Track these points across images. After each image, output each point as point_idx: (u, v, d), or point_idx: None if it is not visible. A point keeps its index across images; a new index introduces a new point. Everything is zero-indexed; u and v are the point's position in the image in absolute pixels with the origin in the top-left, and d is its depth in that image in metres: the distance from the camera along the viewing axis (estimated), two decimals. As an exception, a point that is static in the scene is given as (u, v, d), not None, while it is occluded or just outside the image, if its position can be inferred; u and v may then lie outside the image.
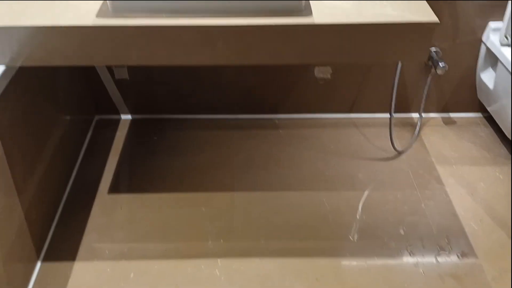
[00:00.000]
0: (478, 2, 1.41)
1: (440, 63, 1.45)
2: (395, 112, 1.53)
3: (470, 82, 1.61)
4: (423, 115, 1.66)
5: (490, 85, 1.51)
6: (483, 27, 1.47)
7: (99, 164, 1.46)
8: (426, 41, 0.91)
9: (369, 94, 1.64)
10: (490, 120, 1.66)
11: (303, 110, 1.69)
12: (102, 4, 0.91)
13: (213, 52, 0.91)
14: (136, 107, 1.65)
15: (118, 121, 1.64)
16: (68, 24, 0.86)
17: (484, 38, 1.49)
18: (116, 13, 0.89)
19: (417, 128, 1.63)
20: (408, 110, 1.70)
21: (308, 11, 0.90)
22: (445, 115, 1.71)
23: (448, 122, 1.69)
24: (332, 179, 1.44)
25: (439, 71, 1.46)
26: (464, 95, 1.65)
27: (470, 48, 1.53)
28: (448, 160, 1.52)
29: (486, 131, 1.64)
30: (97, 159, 1.48)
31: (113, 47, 0.89)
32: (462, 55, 1.54)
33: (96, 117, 1.65)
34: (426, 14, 0.90)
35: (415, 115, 1.70)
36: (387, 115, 1.62)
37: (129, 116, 1.66)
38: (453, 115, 1.71)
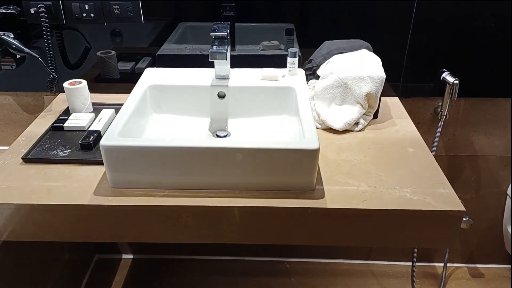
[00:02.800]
0: (500, 156, 1.35)
1: (463, 218, 1.35)
2: (417, 260, 1.40)
3: (497, 233, 1.50)
4: (448, 265, 1.53)
5: (520, 240, 1.39)
6: (507, 180, 1.40)
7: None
8: (451, 229, 0.82)
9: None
10: (522, 275, 1.51)
11: (317, 254, 1.57)
12: (102, 177, 0.87)
13: (216, 232, 0.84)
14: (138, 247, 1.56)
15: (119, 261, 1.54)
16: (64, 203, 0.80)
17: (509, 191, 1.40)
18: (116, 187, 0.84)
19: (442, 280, 1.48)
20: (431, 259, 1.57)
21: (320, 191, 0.84)
22: (471, 266, 1.57)
23: (475, 274, 1.54)
24: None
25: (463, 225, 1.36)
26: (491, 246, 1.53)
27: (495, 200, 1.43)
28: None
29: (520, 288, 1.48)
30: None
31: (110, 225, 0.83)
32: (487, 206, 1.44)
33: (96, 257, 1.55)
34: (451, 201, 0.82)
35: (439, 265, 1.56)
36: (409, 264, 1.49)
37: (130, 256, 1.56)
38: (480, 266, 1.57)
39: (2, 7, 1.12)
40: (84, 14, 1.11)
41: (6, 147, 1.28)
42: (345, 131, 1.04)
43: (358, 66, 1.03)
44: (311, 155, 0.79)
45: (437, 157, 1.28)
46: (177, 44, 1.22)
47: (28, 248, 1.03)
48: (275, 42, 1.21)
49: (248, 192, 0.83)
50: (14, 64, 1.15)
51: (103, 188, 0.84)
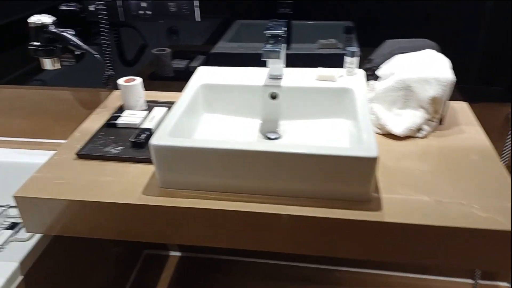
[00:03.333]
0: None
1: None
2: (480, 278, 1.30)
3: None
4: (515, 286, 1.40)
5: None
6: None
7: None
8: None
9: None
10: None
11: (369, 264, 1.50)
12: (151, 176, 0.86)
13: (263, 239, 0.80)
14: (186, 244, 1.56)
15: (166, 257, 1.55)
16: (113, 201, 0.80)
17: None
18: (164, 187, 0.82)
19: (508, 302, 1.36)
20: (495, 277, 1.44)
21: (376, 202, 0.78)
22: (543, 288, 1.42)
23: (548, 298, 1.40)
24: None
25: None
26: None
27: None
28: None
29: None
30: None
31: (157, 225, 0.81)
32: None
33: (145, 252, 1.57)
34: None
35: (504, 284, 1.43)
36: (470, 281, 1.38)
37: (178, 253, 1.57)
38: (553, 289, 1.42)
39: (64, 4, 1.15)
40: (141, 12, 1.12)
41: (64, 141, 1.33)
42: (406, 138, 0.97)
43: (423, 67, 0.95)
44: (369, 163, 0.74)
45: (509, 168, 1.17)
46: (231, 42, 1.19)
47: (78, 241, 1.05)
48: (333, 41, 1.15)
49: (298, 199, 0.79)
50: (74, 60, 1.18)
51: (151, 188, 0.83)
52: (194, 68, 1.12)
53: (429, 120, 0.97)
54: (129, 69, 1.23)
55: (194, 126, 0.96)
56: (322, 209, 0.77)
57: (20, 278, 0.87)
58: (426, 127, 0.97)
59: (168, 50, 1.22)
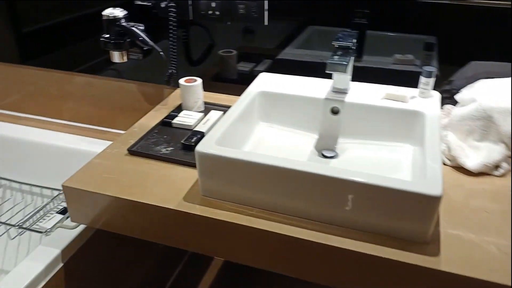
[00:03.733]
0: None
1: None
2: None
3: None
4: None
5: None
6: None
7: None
8: None
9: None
10: None
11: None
12: (195, 182, 0.83)
13: (302, 267, 0.74)
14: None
15: (211, 259, 1.53)
16: (153, 203, 0.79)
17: None
18: (205, 196, 0.79)
19: None
20: None
21: (434, 245, 0.68)
22: None
23: None
24: None
25: None
26: None
27: None
28: None
29: None
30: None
31: (193, 233, 0.79)
32: None
33: (189, 252, 1.57)
34: None
35: None
36: None
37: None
38: None
39: None
40: (210, 12, 1.10)
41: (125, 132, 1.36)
42: (480, 174, 0.85)
43: (510, 97, 0.83)
44: (430, 202, 0.65)
45: None
46: (299, 49, 1.14)
47: (121, 236, 1.06)
48: (410, 57, 1.05)
49: (346, 230, 0.72)
50: (141, 55, 1.19)
51: (193, 194, 0.80)
52: (259, 73, 1.09)
53: (509, 157, 0.85)
54: (194, 68, 1.23)
55: (246, 134, 0.92)
56: (371, 245, 0.69)
57: (60, 265, 0.89)
58: (505, 165, 0.85)
59: (234, 52, 1.19)
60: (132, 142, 0.96)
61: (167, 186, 0.83)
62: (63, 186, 0.84)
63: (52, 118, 1.43)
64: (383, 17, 1.01)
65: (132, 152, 0.92)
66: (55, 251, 0.88)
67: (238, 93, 1.18)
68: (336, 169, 0.69)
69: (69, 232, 0.93)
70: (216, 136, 0.79)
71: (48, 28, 1.31)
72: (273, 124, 0.98)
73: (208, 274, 1.49)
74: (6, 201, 1.28)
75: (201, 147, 0.75)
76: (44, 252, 0.88)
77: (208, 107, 1.09)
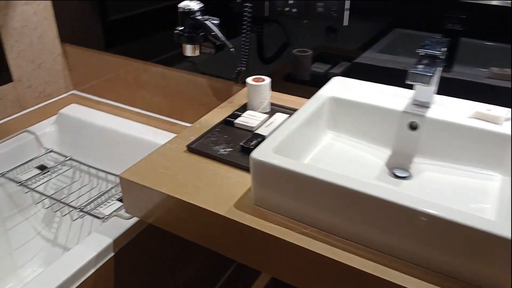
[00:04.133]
0: None
1: None
2: None
3: None
4: None
5: None
6: None
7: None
8: None
9: None
10: None
11: None
12: (249, 188, 0.79)
13: (354, 299, 0.66)
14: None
15: (258, 273, 1.48)
16: (203, 206, 0.75)
17: None
18: (258, 205, 0.74)
19: None
20: None
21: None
22: None
23: None
24: None
25: None
26: None
27: None
28: None
29: None
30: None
31: (241, 243, 0.74)
32: None
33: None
34: None
35: None
36: None
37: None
38: None
39: (217, -7, 1.14)
40: (287, 9, 1.04)
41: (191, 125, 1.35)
42: None
43: None
44: (505, 246, 0.54)
45: None
46: (381, 54, 1.04)
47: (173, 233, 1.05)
48: (509, 71, 0.91)
49: (409, 265, 0.63)
50: (213, 50, 1.17)
51: (245, 202, 0.76)
52: (334, 75, 1.01)
53: None
54: (265, 66, 1.18)
55: (310, 142, 0.85)
56: (437, 288, 0.59)
57: (111, 254, 0.89)
58: None
59: (310, 52, 1.12)
60: (193, 138, 0.94)
61: (220, 189, 0.79)
62: (120, 177, 0.84)
63: (126, 105, 1.46)
64: (481, 23, 0.89)
65: (190, 149, 0.90)
66: (107, 240, 0.88)
67: (309, 95, 1.11)
68: (407, 196, 0.60)
69: (123, 222, 0.93)
70: (275, 142, 0.73)
71: (132, 18, 1.33)
72: (341, 133, 0.90)
73: (258, 282, 1.44)
74: (75, 181, 1.34)
75: (256, 154, 0.70)
76: (97, 240, 0.88)
77: (274, 109, 1.04)
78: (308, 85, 1.14)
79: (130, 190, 0.84)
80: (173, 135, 1.25)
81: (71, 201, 1.30)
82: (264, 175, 0.70)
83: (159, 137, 1.22)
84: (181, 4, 1.06)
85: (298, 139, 0.80)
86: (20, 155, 1.25)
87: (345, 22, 0.99)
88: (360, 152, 0.87)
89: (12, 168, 1.22)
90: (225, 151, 0.89)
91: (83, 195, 1.29)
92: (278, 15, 1.06)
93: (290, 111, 1.03)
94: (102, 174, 1.27)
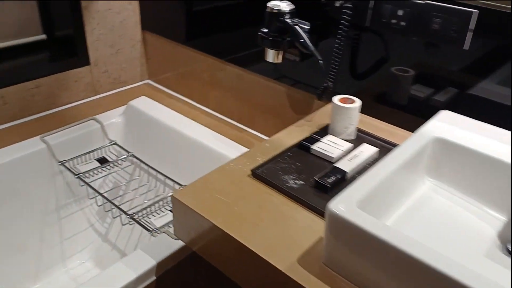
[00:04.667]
0: None
1: None
2: None
3: None
4: None
5: None
6: None
7: None
8: None
9: None
10: None
11: None
12: (319, 240, 0.64)
13: None
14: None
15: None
16: (259, 253, 0.62)
17: None
18: (326, 265, 0.60)
19: None
20: None
21: None
22: None
23: None
24: None
25: None
26: None
27: None
28: None
29: None
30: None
31: (298, 308, 0.60)
32: None
33: None
34: None
35: None
36: None
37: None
38: None
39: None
40: (394, 21, 0.87)
41: (263, 136, 1.23)
42: None
43: None
44: None
45: None
46: (501, 86, 0.84)
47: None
48: None
49: None
50: (298, 57, 1.03)
51: (311, 258, 0.61)
52: (437, 102, 0.83)
53: None
54: (354, 82, 1.02)
55: (403, 190, 0.69)
56: None
57: (153, 279, 0.79)
58: None
59: (411, 72, 0.94)
60: (260, 160, 0.81)
61: (284, 233, 0.65)
62: (171, 197, 0.73)
63: (197, 103, 1.38)
64: None
65: (255, 174, 0.77)
66: (151, 262, 0.79)
67: (405, 125, 0.95)
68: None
69: (171, 242, 0.83)
70: (361, 193, 0.58)
71: (216, 9, 1.23)
72: (443, 184, 0.72)
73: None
74: (134, 179, 1.27)
75: (335, 206, 0.55)
76: (141, 259, 0.79)
77: (360, 137, 0.88)
78: (404, 111, 0.96)
79: (181, 212, 0.74)
80: (241, 147, 1.13)
81: (126, 201, 1.25)
82: (342, 233, 0.55)
83: (226, 148, 1.11)
84: (270, 4, 0.93)
85: (389, 188, 0.64)
86: (83, 143, 1.21)
87: (466, 45, 0.80)
88: (465, 212, 0.68)
89: (73, 157, 1.18)
90: (295, 183, 0.75)
91: (138, 196, 1.23)
92: (381, 26, 0.90)
93: (381, 142, 0.86)
94: (161, 177, 1.19)
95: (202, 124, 1.24)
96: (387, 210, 0.65)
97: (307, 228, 0.67)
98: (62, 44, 1.35)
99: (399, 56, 0.94)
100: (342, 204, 0.55)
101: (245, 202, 0.71)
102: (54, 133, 1.16)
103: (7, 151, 1.09)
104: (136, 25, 1.42)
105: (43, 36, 1.35)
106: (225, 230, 0.66)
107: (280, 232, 0.66)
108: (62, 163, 1.15)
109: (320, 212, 0.69)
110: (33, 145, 1.12)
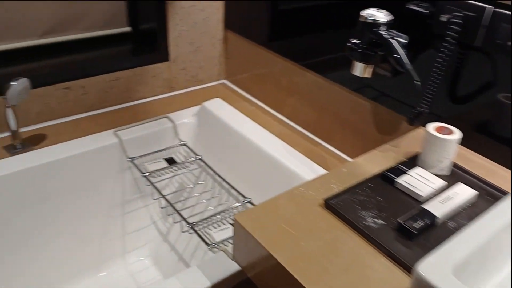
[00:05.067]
0: None
1: None
2: None
3: None
4: None
5: None
6: None
7: None
8: None
9: None
10: None
11: None
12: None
13: None
14: None
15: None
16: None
17: None
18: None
19: None
20: None
21: None
22: None
23: None
24: None
25: None
26: None
27: None
28: None
29: None
30: None
31: None
32: None
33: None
34: None
35: None
36: None
37: None
38: None
39: (414, 3, 0.89)
40: (510, 43, 0.73)
41: (340, 153, 1.13)
42: None
43: None
44: None
45: None
46: None
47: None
48: None
49: None
50: (390, 73, 0.92)
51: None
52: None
53: None
54: (452, 107, 0.89)
55: (507, 254, 0.57)
56: None
57: (204, 300, 0.74)
58: None
59: (524, 101, 0.80)
60: (335, 189, 0.72)
61: (355, 284, 0.56)
62: (235, 218, 0.67)
63: (272, 109, 1.31)
64: None
65: (328, 205, 0.69)
66: (205, 283, 0.74)
67: (509, 163, 0.81)
68: None
69: (228, 263, 0.78)
70: (459, 256, 0.47)
71: (303, 9, 1.15)
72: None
73: None
74: (198, 183, 1.24)
75: (425, 270, 0.45)
76: (195, 278, 0.74)
77: (456, 173, 0.76)
78: (510, 146, 0.82)
79: (241, 236, 0.67)
80: (315, 165, 1.05)
81: (188, 207, 1.22)
82: (428, 304, 0.46)
83: (298, 164, 1.03)
84: (364, 13, 0.83)
85: (492, 250, 0.52)
86: (154, 141, 1.19)
87: None
88: None
89: (142, 154, 1.17)
90: (374, 222, 0.65)
91: (201, 202, 1.19)
92: (494, 47, 0.76)
93: (479, 183, 0.73)
94: (226, 185, 1.14)
95: (275, 133, 1.17)
96: (485, 276, 0.54)
97: (384, 282, 0.57)
98: (145, 38, 1.35)
99: (505, 78, 0.80)
100: (435, 269, 0.45)
101: (313, 238, 0.63)
102: (127, 128, 1.16)
103: (82, 142, 1.10)
104: (218, 23, 1.39)
105: (128, 29, 1.36)
106: (288, 269, 0.58)
107: (351, 282, 0.57)
108: (132, 160, 1.14)
109: (401, 263, 0.59)
110: (106, 139, 1.12)
